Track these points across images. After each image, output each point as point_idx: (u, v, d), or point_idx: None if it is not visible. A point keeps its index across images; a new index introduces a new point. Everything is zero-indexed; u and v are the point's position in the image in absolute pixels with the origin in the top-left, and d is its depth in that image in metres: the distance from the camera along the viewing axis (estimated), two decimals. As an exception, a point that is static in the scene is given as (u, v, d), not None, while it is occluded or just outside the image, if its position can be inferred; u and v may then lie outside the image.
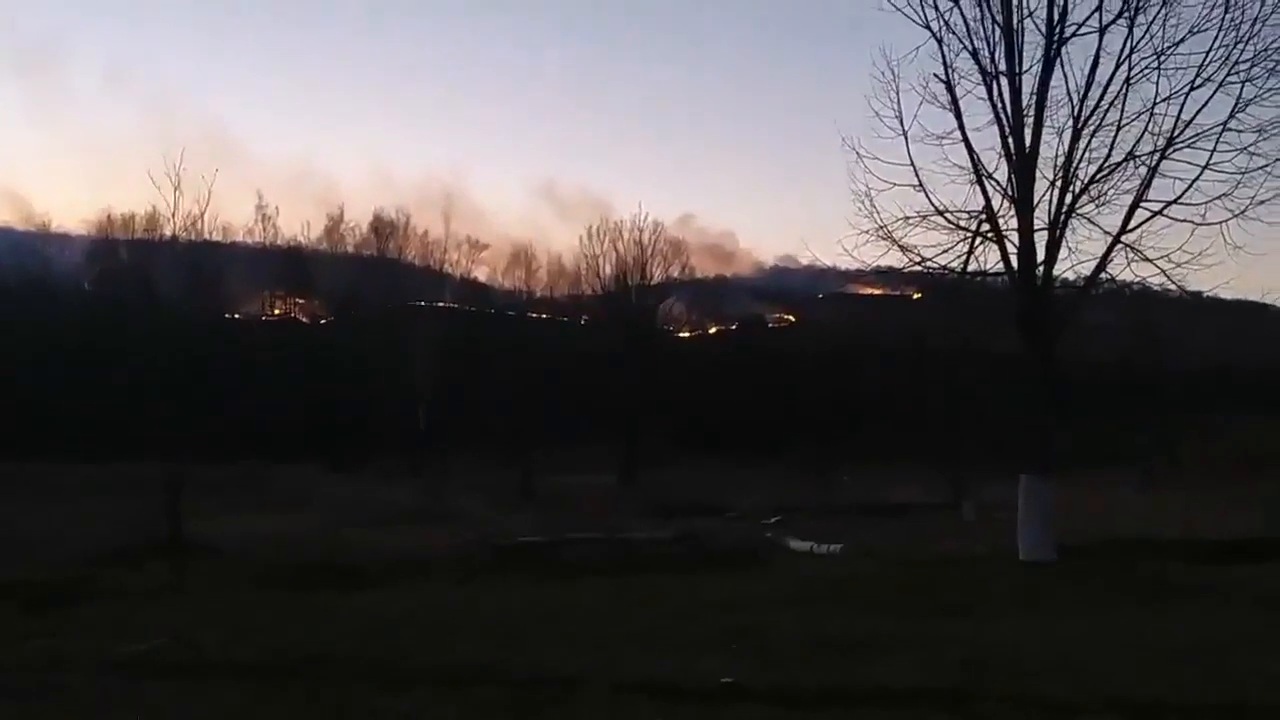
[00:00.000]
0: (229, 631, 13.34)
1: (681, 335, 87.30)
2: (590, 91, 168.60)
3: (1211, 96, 17.68)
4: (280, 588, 19.77)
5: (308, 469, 52.20)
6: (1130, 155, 18.18)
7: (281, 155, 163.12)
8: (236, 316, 75.82)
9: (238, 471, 44.83)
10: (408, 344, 64.03)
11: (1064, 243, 18.63)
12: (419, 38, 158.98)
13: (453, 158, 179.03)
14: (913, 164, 18.81)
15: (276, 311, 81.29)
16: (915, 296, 69.74)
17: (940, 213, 18.92)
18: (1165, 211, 18.09)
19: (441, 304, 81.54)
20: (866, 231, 19.10)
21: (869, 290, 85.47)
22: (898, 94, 18.76)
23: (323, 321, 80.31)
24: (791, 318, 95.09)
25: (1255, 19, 17.21)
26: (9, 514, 33.10)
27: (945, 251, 19.07)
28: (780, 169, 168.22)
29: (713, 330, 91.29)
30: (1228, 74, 17.43)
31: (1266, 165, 17.33)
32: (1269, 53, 17.26)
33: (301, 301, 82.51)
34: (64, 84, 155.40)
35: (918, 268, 19.79)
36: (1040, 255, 18.61)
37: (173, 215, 30.72)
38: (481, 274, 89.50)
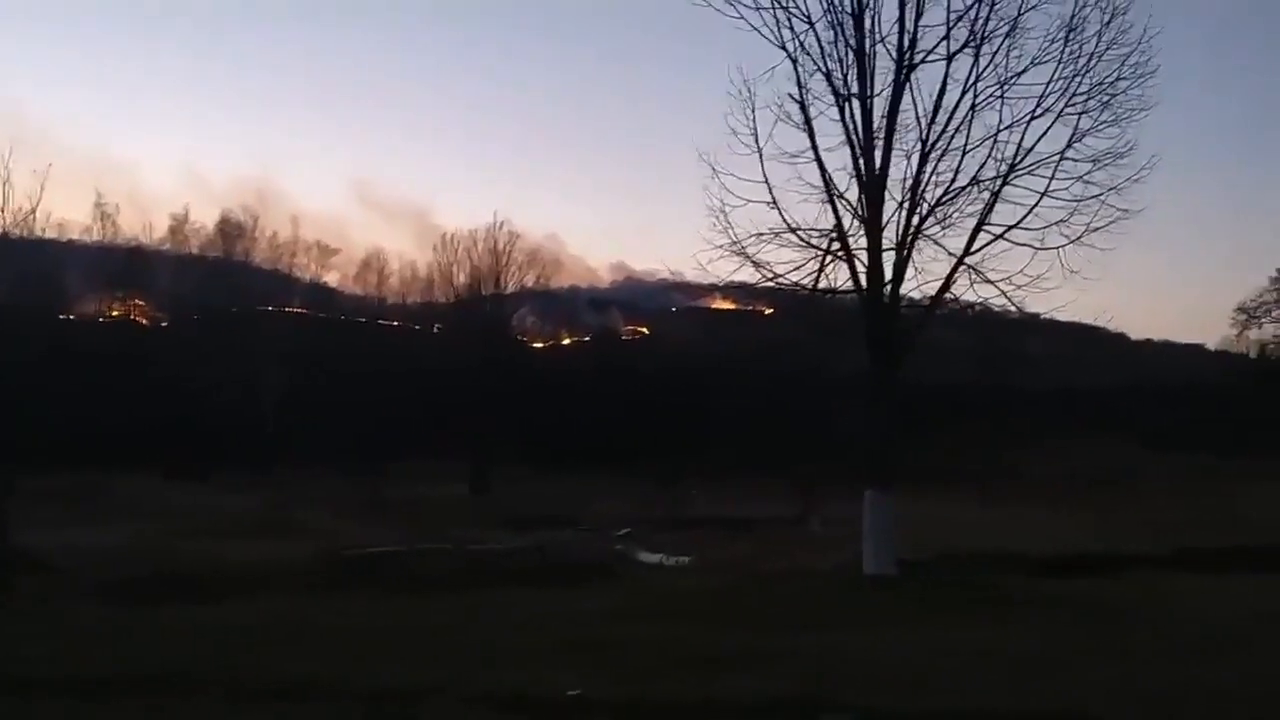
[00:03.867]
0: (57, 647, 12.77)
1: (535, 346, 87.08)
2: (408, 93, 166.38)
3: (1050, 126, 18.42)
4: (115, 602, 19.02)
5: (146, 478, 50.42)
6: (974, 180, 18.76)
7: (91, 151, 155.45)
8: (71, 317, 72.74)
9: (71, 480, 43.10)
10: (253, 349, 62.40)
11: (911, 263, 19.12)
12: (229, 31, 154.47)
13: (264, 157, 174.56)
14: (767, 181, 19.06)
15: (114, 313, 78.12)
16: (767, 312, 70.95)
17: (793, 230, 19.20)
18: (1006, 235, 18.73)
19: (289, 309, 79.75)
20: (720, 246, 19.26)
21: (722, 305, 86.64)
22: (753, 112, 18.99)
23: (163, 324, 77.61)
24: (645, 330, 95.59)
25: (1092, 54, 17.97)
26: None
27: (797, 269, 19.37)
28: (610, 177, 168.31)
29: (566, 341, 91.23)
30: (1066, 105, 18.18)
31: (1100, 194, 18.10)
32: (1103, 86, 18.02)
33: (141, 303, 79.54)
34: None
35: (770, 284, 20.06)
36: (888, 274, 19.01)
37: (1, 210, 29.51)
38: (332, 279, 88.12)
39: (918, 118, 18.77)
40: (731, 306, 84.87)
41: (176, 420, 58.93)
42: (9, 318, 38.83)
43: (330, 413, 59.59)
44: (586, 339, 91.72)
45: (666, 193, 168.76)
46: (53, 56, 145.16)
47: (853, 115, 18.85)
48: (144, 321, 78.68)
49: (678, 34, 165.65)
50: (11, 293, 42.42)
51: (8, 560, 22.92)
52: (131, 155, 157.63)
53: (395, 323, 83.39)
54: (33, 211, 30.68)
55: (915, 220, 18.93)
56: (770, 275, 19.64)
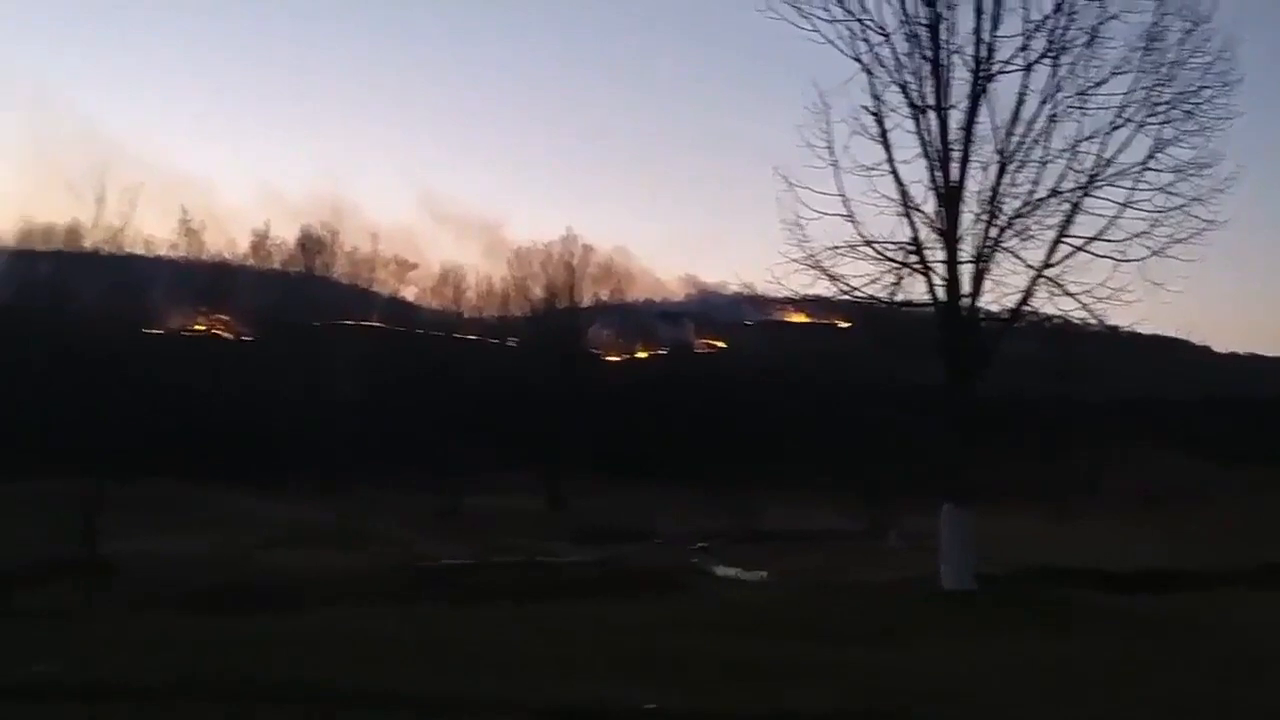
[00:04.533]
0: (137, 654, 13.00)
1: (609, 359, 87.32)
2: (476, 107, 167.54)
3: (1132, 137, 18.08)
4: (194, 609, 19.37)
5: (226, 488, 51.24)
6: (1054, 191, 18.47)
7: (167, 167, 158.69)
8: (157, 332, 74.30)
9: (154, 490, 43.90)
10: (332, 362, 63.29)
11: (989, 276, 18.88)
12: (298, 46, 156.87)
13: (335, 172, 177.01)
14: (842, 194, 18.94)
15: (199, 327, 79.80)
16: (843, 325, 70.54)
17: (869, 243, 19.05)
18: (1087, 247, 18.39)
19: (368, 323, 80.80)
20: (795, 260, 19.18)
21: (797, 318, 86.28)
22: (829, 124, 18.89)
23: (246, 338, 79.04)
24: (719, 343, 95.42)
25: (1174, 63, 17.64)
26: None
27: (873, 281, 19.20)
28: (678, 189, 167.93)
29: (641, 355, 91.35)
30: (1147, 115, 17.83)
31: (1184, 205, 17.73)
32: (1186, 96, 17.68)
33: (225, 318, 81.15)
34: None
35: (846, 297, 19.92)
36: (965, 287, 18.80)
37: (93, 227, 30.37)
38: (409, 293, 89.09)
39: (995, 129, 18.55)
40: (806, 320, 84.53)
41: (257, 432, 59.93)
42: (98, 332, 39.79)
43: (406, 425, 60.20)
44: (661, 352, 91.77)
45: (736, 204, 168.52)
46: (134, 78, 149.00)
47: (929, 127, 18.69)
48: (228, 335, 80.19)
49: (748, 46, 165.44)
50: (101, 307, 43.49)
51: (92, 569, 23.45)
52: (209, 172, 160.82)
53: (472, 336, 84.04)
54: (123, 228, 31.61)
55: (993, 232, 18.69)
56: (846, 288, 19.52)
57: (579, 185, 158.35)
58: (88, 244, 36.61)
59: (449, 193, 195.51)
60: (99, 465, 32.62)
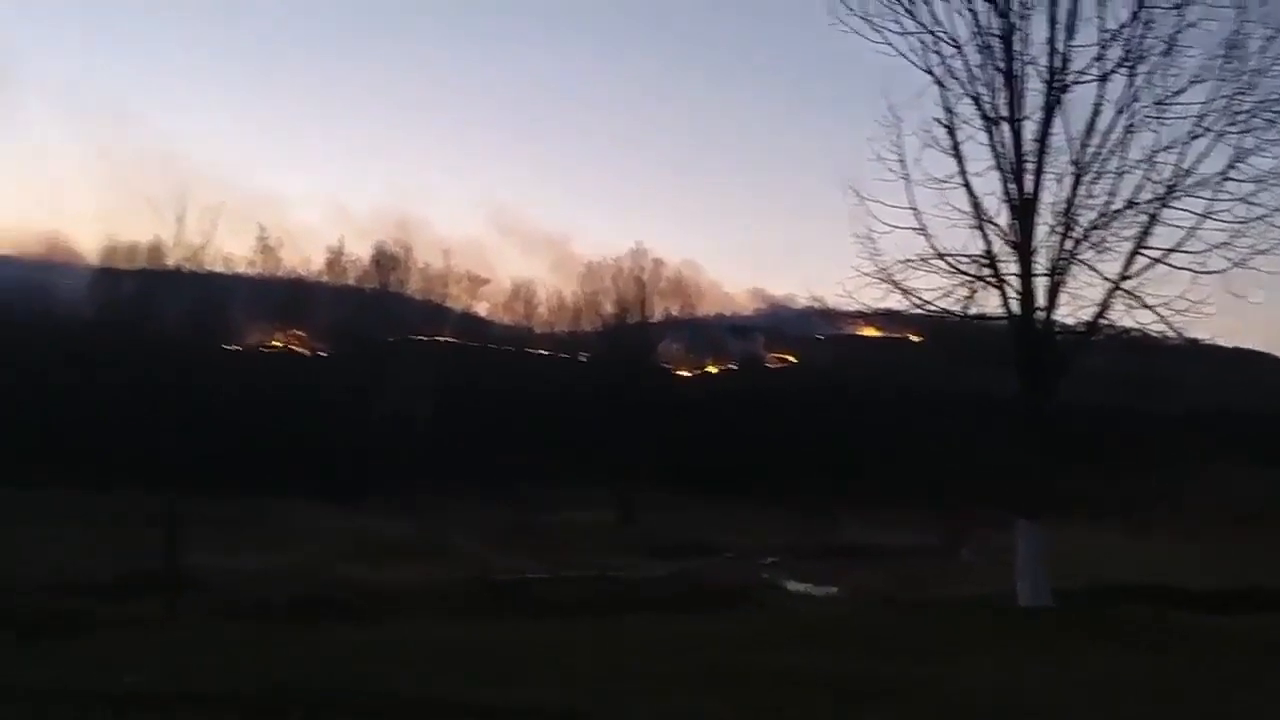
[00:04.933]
0: (221, 664, 13.27)
1: (681, 374, 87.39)
2: (543, 121, 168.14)
3: (1211, 146, 17.78)
4: (274, 621, 19.68)
5: (303, 502, 51.99)
6: (1131, 203, 18.22)
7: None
8: (236, 348, 75.69)
9: (233, 504, 44.62)
10: (406, 377, 63.99)
11: (1064, 288, 18.67)
12: (364, 64, 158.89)
13: (403, 188, 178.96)
14: (914, 207, 18.86)
15: (276, 343, 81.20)
16: (915, 339, 70.01)
17: (941, 256, 18.95)
18: (1165, 259, 18.11)
19: (441, 338, 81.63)
20: (867, 273, 19.13)
21: (868, 332, 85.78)
22: (900, 137, 18.83)
23: (321, 354, 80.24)
24: (791, 357, 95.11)
25: (1255, 71, 17.34)
26: (8, 543, 32.94)
27: (946, 295, 19.09)
28: (745, 202, 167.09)
29: (711, 369, 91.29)
30: (1228, 124, 17.53)
31: (1265, 216, 17.40)
32: (1268, 104, 17.37)
33: (301, 334, 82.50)
34: (66, 114, 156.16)
35: (918, 310, 19.81)
36: (1040, 300, 18.62)
37: (175, 246, 31.14)
38: (482, 309, 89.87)
39: (1070, 140, 18.35)
40: (878, 334, 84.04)
41: (333, 447, 60.77)
42: (179, 348, 40.62)
43: (480, 439, 60.70)
44: (731, 367, 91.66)
45: (805, 217, 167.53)
46: (208, 98, 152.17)
47: (1002, 139, 18.55)
48: (304, 351, 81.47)
49: (816, 59, 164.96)
50: (182, 324, 44.41)
51: (176, 581, 23.89)
52: (280, 190, 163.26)
53: (543, 351, 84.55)
54: (204, 247, 32.38)
55: (1069, 245, 18.49)
56: (918, 302, 19.42)
57: (646, 199, 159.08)
58: (170, 262, 37.47)
59: (516, 208, 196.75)
60: (179, 479, 33.33)
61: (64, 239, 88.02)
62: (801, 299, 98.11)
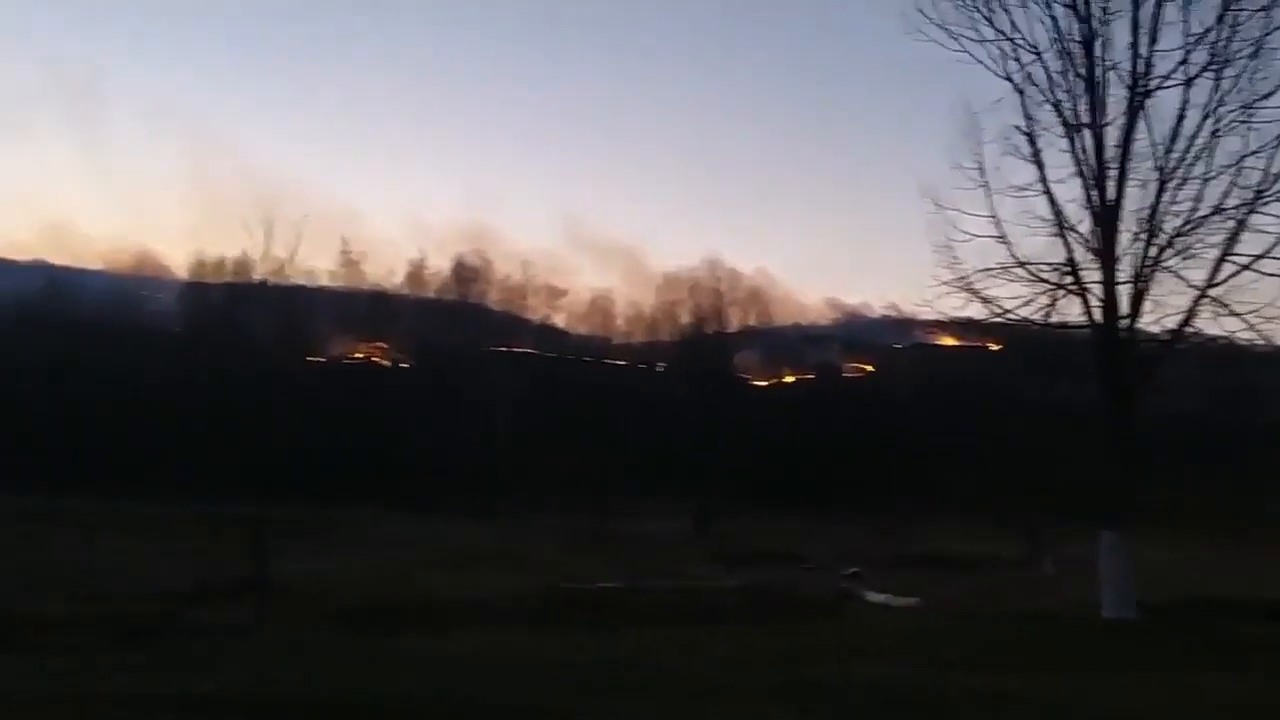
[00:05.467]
0: (304, 672, 13.50)
1: (758, 383, 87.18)
2: (614, 132, 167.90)
3: (1302, 151, 17.41)
4: (355, 628, 19.98)
5: (384, 511, 52.63)
6: (1217, 209, 17.92)
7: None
8: (320, 360, 76.90)
9: (316, 513, 45.28)
10: (486, 388, 64.60)
11: (1148, 296, 18.38)
12: (432, 74, 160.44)
13: (478, 199, 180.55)
14: (994, 215, 18.72)
15: (358, 355, 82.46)
16: (995, 348, 69.11)
17: (1022, 264, 18.78)
18: (1253, 265, 17.77)
19: (520, 349, 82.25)
20: (946, 282, 19.01)
21: (947, 341, 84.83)
22: (979, 145, 18.71)
23: (403, 365, 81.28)
24: (868, 367, 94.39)
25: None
26: (98, 551, 33.76)
27: (1027, 303, 18.91)
28: (819, 211, 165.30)
29: (788, 379, 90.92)
30: (1318, 128, 17.18)
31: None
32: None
33: (383, 345, 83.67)
34: (155, 133, 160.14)
35: (998, 319, 19.64)
36: (1124, 308, 18.36)
37: (261, 259, 31.81)
38: (560, 319, 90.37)
39: (1154, 145, 18.12)
40: (957, 342, 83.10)
41: (415, 456, 61.51)
42: (265, 360, 41.38)
43: (558, 449, 60.99)
44: (808, 376, 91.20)
45: (878, 226, 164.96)
46: (288, 113, 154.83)
47: (1084, 145, 18.35)
48: (386, 363, 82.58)
49: (888, 67, 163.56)
50: (267, 336, 45.25)
51: (261, 588, 24.34)
52: (357, 203, 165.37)
53: (621, 362, 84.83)
54: (290, 260, 32.99)
55: (1153, 252, 18.22)
56: (998, 310, 19.26)
57: (718, 208, 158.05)
58: (256, 275, 38.19)
59: (589, 218, 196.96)
60: (265, 488, 33.88)
61: (153, 254, 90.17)
62: (876, 307, 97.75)
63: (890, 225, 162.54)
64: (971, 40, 18.59)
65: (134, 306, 78.92)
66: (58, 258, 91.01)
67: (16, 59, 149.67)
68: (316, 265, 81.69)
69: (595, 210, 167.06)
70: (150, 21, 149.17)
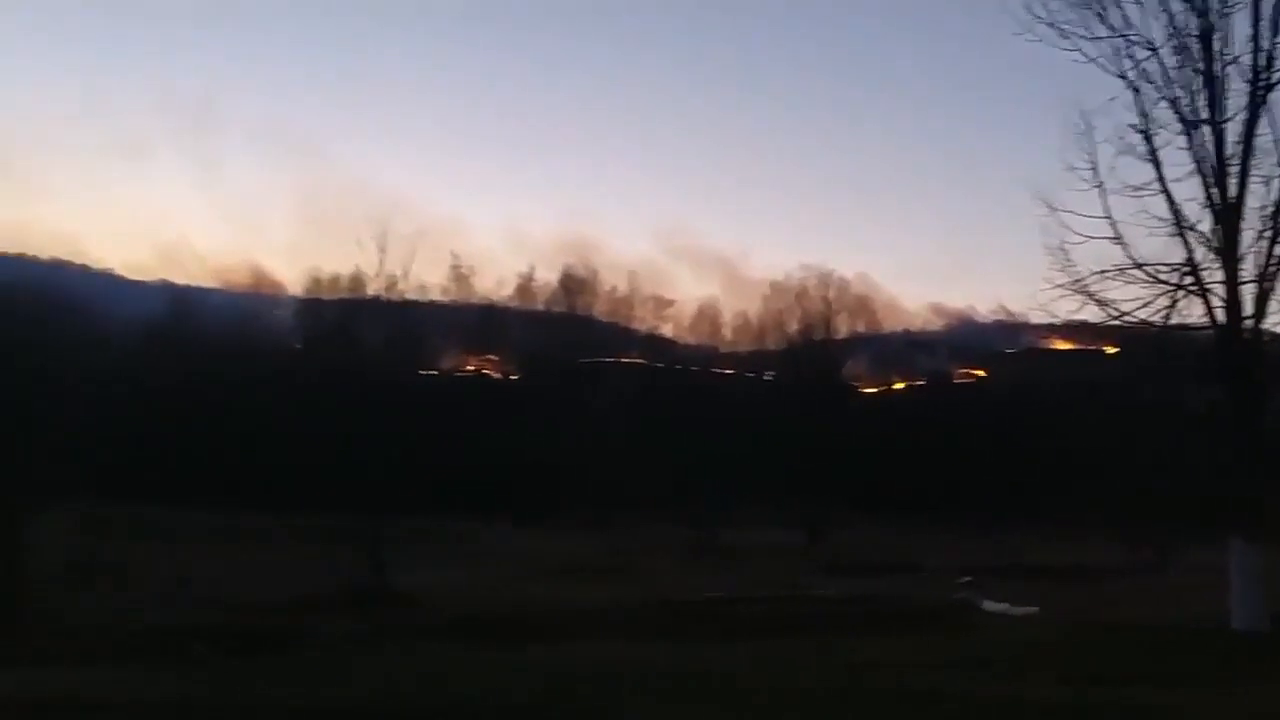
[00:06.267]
0: (425, 682, 13.72)
1: (867, 391, 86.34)
2: (715, 141, 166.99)
3: None
4: (471, 639, 20.22)
5: (496, 522, 53.22)
6: (1346, 204, 17.34)
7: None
8: (432, 373, 78.08)
9: (430, 524, 45.92)
10: (595, 399, 65.03)
11: (1274, 295, 17.85)
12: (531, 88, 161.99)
13: (579, 210, 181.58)
14: (1109, 216, 18.32)
15: (470, 368, 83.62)
16: (1111, 351, 67.53)
17: (1139, 265, 18.35)
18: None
19: (628, 359, 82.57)
20: (1060, 285, 18.65)
21: (1061, 345, 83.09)
22: (1092, 145, 18.34)
23: (513, 377, 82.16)
24: (980, 372, 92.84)
25: None
26: (222, 563, 34.72)
27: (1145, 305, 18.47)
28: (920, 214, 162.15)
29: (898, 386, 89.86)
30: None
31: None
32: None
33: (494, 358, 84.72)
34: (267, 151, 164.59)
35: (1115, 322, 19.20)
36: (1248, 308, 17.84)
37: (375, 276, 32.54)
38: (668, 330, 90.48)
39: (1277, 141, 17.59)
40: (1072, 346, 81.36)
41: (525, 467, 62.11)
42: (379, 375, 42.19)
43: (667, 459, 61.08)
44: (918, 383, 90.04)
45: (982, 229, 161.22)
46: (393, 129, 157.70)
47: (1203, 143, 17.86)
48: (496, 375, 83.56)
49: (991, 67, 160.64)
50: (382, 351, 46.15)
51: (380, 599, 24.82)
52: (461, 216, 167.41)
53: (728, 371, 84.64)
54: (403, 276, 33.80)
55: (1278, 250, 17.70)
56: (1116, 313, 18.84)
57: (816, 214, 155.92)
58: (369, 291, 39.12)
59: (686, 228, 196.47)
60: (381, 501, 34.56)
61: (268, 271, 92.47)
62: (982, 311, 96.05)
63: (993, 228, 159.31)
64: (1083, 38, 18.23)
65: (252, 323, 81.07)
66: (175, 277, 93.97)
67: (131, 83, 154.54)
68: (427, 279, 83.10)
69: (692, 219, 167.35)
70: (260, 44, 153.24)
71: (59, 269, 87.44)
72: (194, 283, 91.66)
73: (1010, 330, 79.90)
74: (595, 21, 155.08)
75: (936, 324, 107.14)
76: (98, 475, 44.35)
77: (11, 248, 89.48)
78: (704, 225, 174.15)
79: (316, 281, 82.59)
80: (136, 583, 30.17)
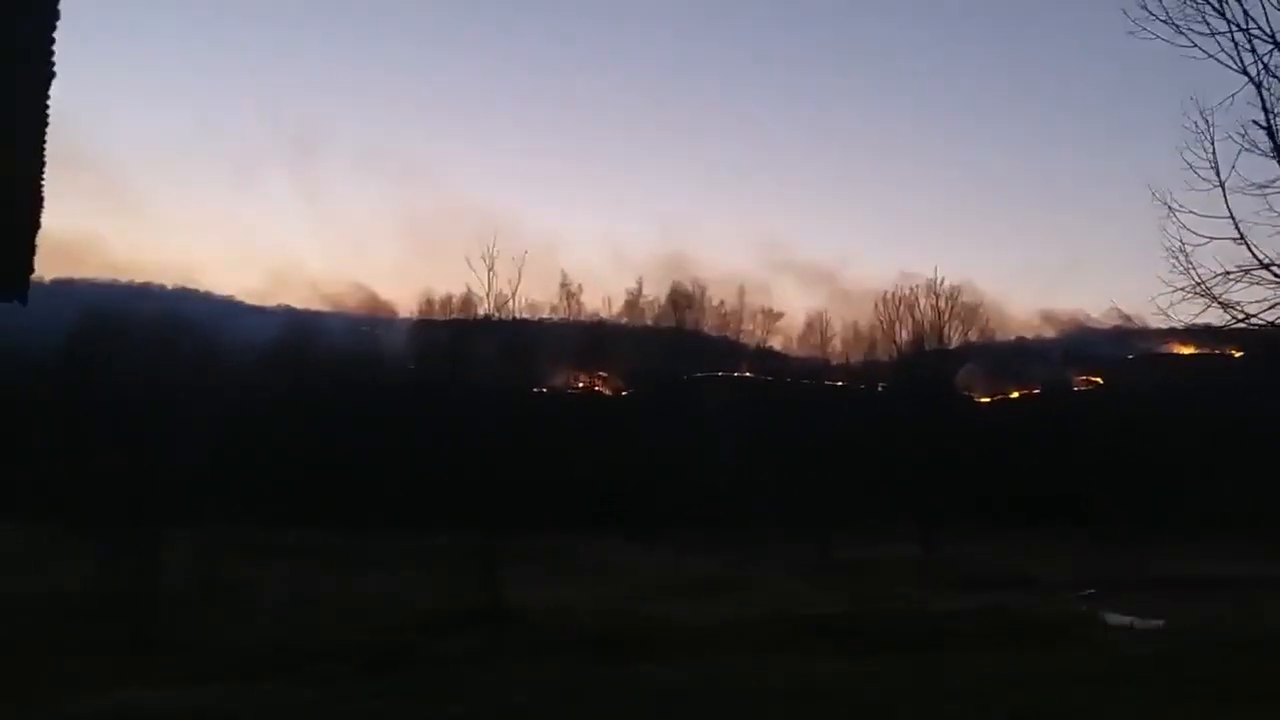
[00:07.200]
0: (546, 700, 13.84)
1: (981, 400, 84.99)
2: (812, 152, 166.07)
3: None
4: (589, 656, 20.32)
5: (609, 539, 53.41)
6: None
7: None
8: (543, 391, 78.87)
9: (543, 542, 46.29)
10: (706, 414, 65.00)
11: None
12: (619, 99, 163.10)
13: (675, 225, 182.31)
14: (1231, 215, 17.78)
15: (581, 385, 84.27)
16: (1236, 355, 65.61)
17: (1265, 266, 17.78)
18: None
19: (737, 374, 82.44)
20: (1180, 288, 18.15)
21: (1183, 349, 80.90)
22: (1212, 143, 17.81)
23: (624, 394, 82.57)
24: (1098, 380, 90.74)
25: None
26: (339, 582, 35.38)
27: (1272, 307, 17.89)
28: (1024, 218, 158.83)
29: (1014, 395, 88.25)
30: None
31: None
32: None
33: (604, 375, 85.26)
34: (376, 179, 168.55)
35: (1240, 325, 18.62)
36: (1384, 308, 17.16)
37: (485, 296, 33.04)
38: (777, 343, 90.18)
39: None
40: (1194, 351, 79.21)
41: (638, 484, 62.34)
42: (491, 395, 42.77)
43: (779, 473, 60.82)
44: (1034, 391, 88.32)
45: (1085, 232, 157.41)
46: (492, 151, 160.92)
47: (1330, 137, 17.27)
48: (607, 392, 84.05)
49: (1089, 65, 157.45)
50: (494, 371, 46.82)
51: (496, 617, 25.06)
52: (562, 234, 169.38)
53: (839, 383, 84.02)
54: (512, 295, 34.27)
55: None
56: (1240, 315, 18.27)
57: (914, 221, 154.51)
58: (480, 312, 39.80)
59: (785, 241, 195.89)
60: (494, 519, 34.95)
61: (378, 293, 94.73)
62: (1091, 315, 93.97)
63: (1098, 231, 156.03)
64: (1201, 34, 17.73)
65: (368, 346, 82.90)
66: (290, 301, 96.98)
67: (239, 110, 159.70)
68: (536, 298, 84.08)
69: (788, 231, 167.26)
70: (364, 68, 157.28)
71: (184, 295, 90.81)
72: (309, 306, 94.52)
73: (1127, 335, 78.09)
74: (690, 41, 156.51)
75: (1048, 331, 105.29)
76: (223, 497, 45.70)
77: (137, 276, 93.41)
78: (800, 236, 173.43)
79: (429, 303, 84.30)
80: (258, 603, 30.89)
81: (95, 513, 36.80)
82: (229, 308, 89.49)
